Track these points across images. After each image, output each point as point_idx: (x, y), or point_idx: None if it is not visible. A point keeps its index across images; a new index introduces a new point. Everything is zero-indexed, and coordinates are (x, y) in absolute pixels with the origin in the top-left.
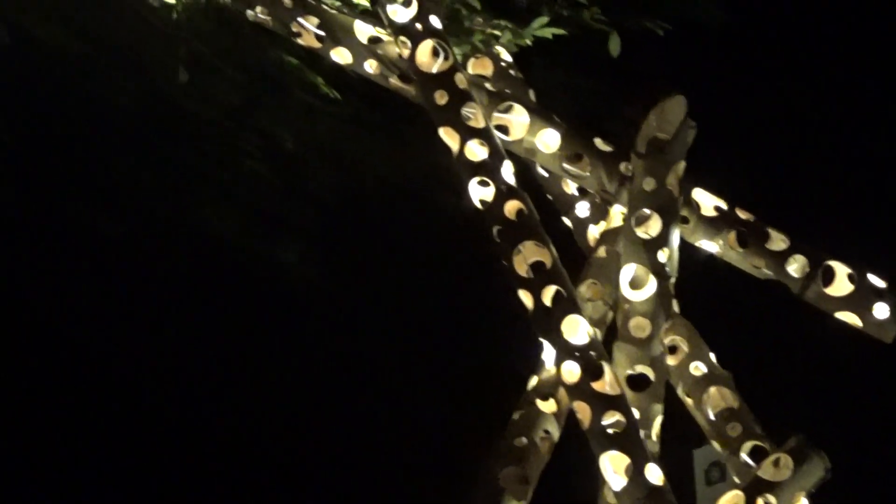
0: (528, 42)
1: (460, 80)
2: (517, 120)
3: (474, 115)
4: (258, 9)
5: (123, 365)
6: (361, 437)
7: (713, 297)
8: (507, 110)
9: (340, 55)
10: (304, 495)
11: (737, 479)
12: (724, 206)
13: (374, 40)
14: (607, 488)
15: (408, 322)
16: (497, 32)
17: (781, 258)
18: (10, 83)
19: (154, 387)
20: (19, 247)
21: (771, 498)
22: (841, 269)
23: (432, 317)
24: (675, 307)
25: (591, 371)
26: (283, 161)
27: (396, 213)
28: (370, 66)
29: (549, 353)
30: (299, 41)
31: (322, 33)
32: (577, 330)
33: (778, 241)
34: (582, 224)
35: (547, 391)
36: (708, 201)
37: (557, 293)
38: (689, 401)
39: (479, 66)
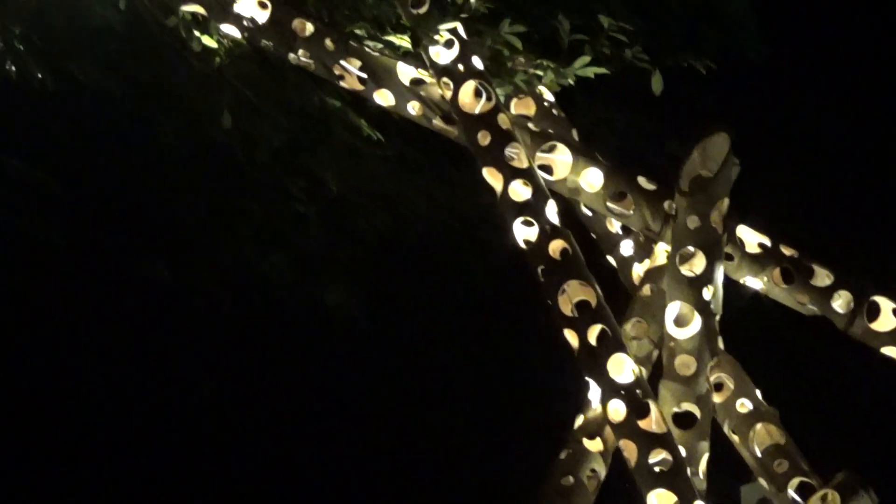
0: (571, 81)
1: (503, 120)
2: (560, 159)
3: (517, 155)
4: (301, 52)
5: (176, 406)
6: (406, 477)
7: (758, 333)
8: (551, 150)
9: (383, 97)
10: None
11: None
12: (768, 242)
13: (417, 82)
14: None
15: (452, 361)
16: (539, 72)
17: (826, 294)
18: (57, 128)
19: (205, 426)
20: (68, 290)
21: None
22: (886, 305)
23: (477, 356)
24: (721, 344)
25: (637, 409)
26: (328, 202)
27: (441, 253)
28: (413, 108)
29: (594, 391)
30: (342, 84)
31: (365, 75)
32: (622, 368)
33: (822, 277)
34: (626, 262)
35: (593, 430)
36: (752, 238)
37: (602, 332)
38: (735, 438)
39: (521, 106)
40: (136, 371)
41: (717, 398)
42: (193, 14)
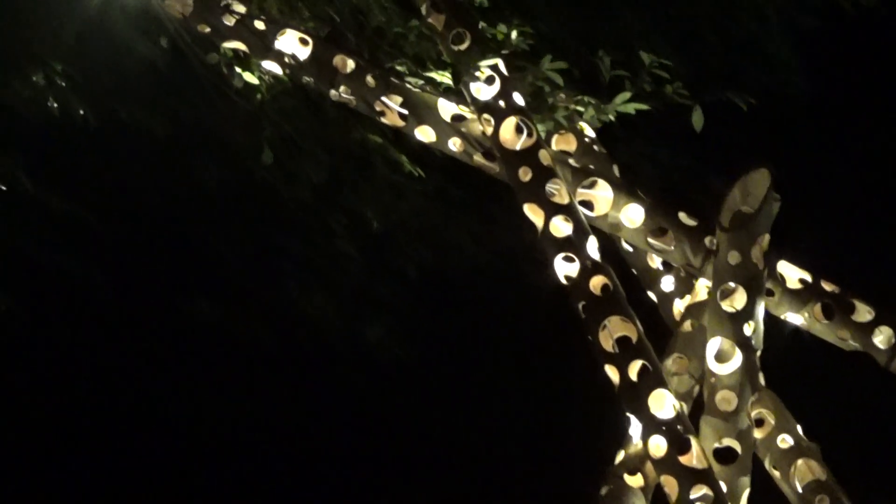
0: (612, 117)
1: (544, 156)
2: (601, 195)
3: (558, 190)
4: (342, 88)
5: (218, 444)
6: None
7: (799, 369)
8: (592, 186)
9: (424, 133)
10: None
11: None
12: (808, 278)
13: (458, 118)
14: None
15: (493, 397)
16: (580, 108)
17: (867, 329)
18: (98, 165)
19: (249, 464)
20: (108, 328)
21: None
22: None
23: (518, 392)
24: (762, 380)
25: (678, 445)
26: (369, 238)
27: (482, 289)
28: (454, 144)
29: (635, 427)
30: (383, 120)
31: (406, 112)
32: (663, 404)
33: (864, 313)
34: (667, 298)
35: (634, 465)
36: (793, 274)
37: (643, 367)
38: (776, 473)
39: (562, 142)
40: (178, 409)
41: (758, 433)
42: (235, 51)
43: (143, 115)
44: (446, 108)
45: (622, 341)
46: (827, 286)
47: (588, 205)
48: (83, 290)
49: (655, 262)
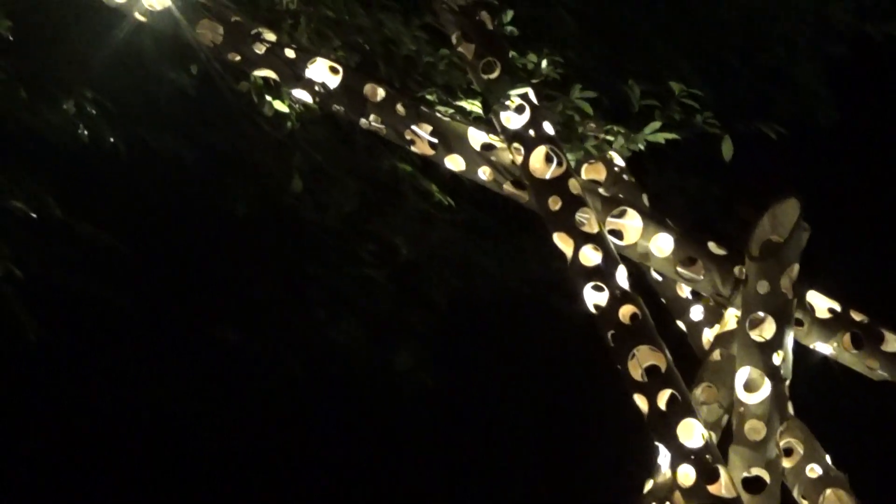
0: (641, 147)
1: (574, 185)
2: (631, 224)
3: (588, 220)
4: (372, 117)
5: (248, 471)
6: None
7: (828, 399)
8: (621, 215)
9: (454, 162)
10: None
11: None
12: (838, 307)
13: (488, 147)
14: None
15: (522, 426)
16: (610, 137)
17: None
18: (128, 193)
19: (278, 492)
20: (138, 355)
21: None
22: None
23: (546, 421)
24: (790, 409)
25: (707, 474)
26: (398, 267)
27: (511, 318)
28: (484, 173)
29: (664, 456)
30: (413, 148)
31: (435, 140)
32: (692, 433)
33: (893, 343)
34: (696, 327)
35: (663, 495)
36: (822, 303)
37: (672, 397)
38: (805, 503)
39: (592, 172)
40: (206, 436)
41: (786, 463)
42: (265, 79)
43: (173, 143)
44: (476, 137)
45: (651, 370)
46: (856, 316)
47: (617, 234)
48: (112, 317)
49: (684, 291)
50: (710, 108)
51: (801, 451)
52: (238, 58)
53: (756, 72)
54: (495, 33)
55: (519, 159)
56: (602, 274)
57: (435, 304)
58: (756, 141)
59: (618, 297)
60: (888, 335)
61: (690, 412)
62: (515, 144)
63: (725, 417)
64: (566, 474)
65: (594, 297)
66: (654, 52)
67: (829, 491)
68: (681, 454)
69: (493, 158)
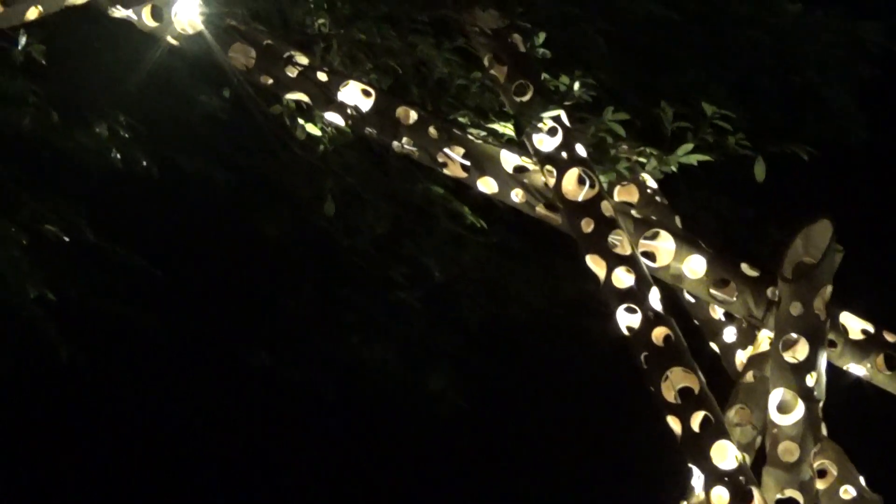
0: (674, 168)
1: (606, 207)
2: (663, 246)
3: (621, 242)
4: (404, 140)
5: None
6: None
7: (862, 420)
8: (654, 237)
9: (486, 184)
10: None
11: None
12: (871, 329)
13: (520, 169)
14: None
15: (554, 448)
16: (642, 159)
17: None
18: (161, 216)
19: None
20: (170, 378)
21: None
22: None
23: (579, 443)
24: (824, 431)
25: (741, 496)
26: (431, 289)
27: (544, 340)
28: (516, 195)
29: (697, 478)
30: (445, 171)
31: (468, 163)
32: (725, 455)
33: None
34: (729, 349)
35: None
36: (855, 325)
37: (706, 419)
38: None
39: (624, 193)
40: (240, 460)
41: (820, 485)
42: (297, 102)
43: (206, 166)
44: (508, 160)
45: (684, 392)
46: (890, 337)
47: (650, 256)
48: (145, 340)
49: (717, 313)
50: (743, 130)
51: (835, 473)
52: (270, 81)
53: (787, 93)
54: (527, 56)
55: (551, 181)
56: (635, 296)
57: (467, 327)
58: (788, 162)
59: (651, 319)
60: None
61: (724, 434)
62: (548, 167)
63: (759, 439)
64: (599, 496)
65: (627, 319)
66: (686, 74)
67: None
68: (714, 476)
69: (525, 181)
